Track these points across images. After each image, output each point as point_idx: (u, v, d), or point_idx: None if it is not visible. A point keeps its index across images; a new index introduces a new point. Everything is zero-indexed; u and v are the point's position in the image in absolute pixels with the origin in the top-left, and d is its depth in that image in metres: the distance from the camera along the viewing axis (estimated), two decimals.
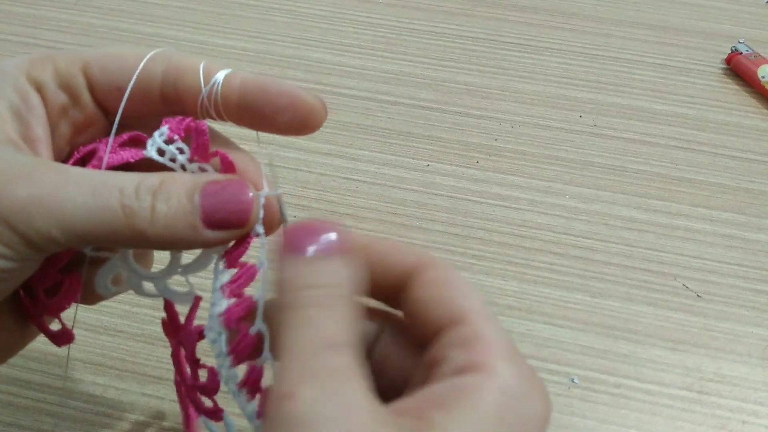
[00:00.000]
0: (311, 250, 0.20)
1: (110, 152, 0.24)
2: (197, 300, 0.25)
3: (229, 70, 0.24)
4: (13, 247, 0.21)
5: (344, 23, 0.58)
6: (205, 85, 0.24)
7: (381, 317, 0.23)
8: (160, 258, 0.27)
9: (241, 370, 0.22)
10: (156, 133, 0.23)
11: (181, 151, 0.24)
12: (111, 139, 0.24)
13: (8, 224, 0.20)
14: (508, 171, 0.47)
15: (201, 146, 0.24)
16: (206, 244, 0.23)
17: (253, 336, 0.22)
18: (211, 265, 0.24)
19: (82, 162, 0.24)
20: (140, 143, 0.24)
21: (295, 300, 0.20)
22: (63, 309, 0.25)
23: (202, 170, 0.24)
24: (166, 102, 0.24)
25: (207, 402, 0.26)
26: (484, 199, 0.45)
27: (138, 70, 0.24)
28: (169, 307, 0.27)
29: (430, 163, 0.47)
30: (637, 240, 0.43)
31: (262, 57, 0.54)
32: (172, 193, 0.22)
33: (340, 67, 0.54)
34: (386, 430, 0.17)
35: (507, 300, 0.39)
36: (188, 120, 0.24)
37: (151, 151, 0.23)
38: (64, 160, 0.24)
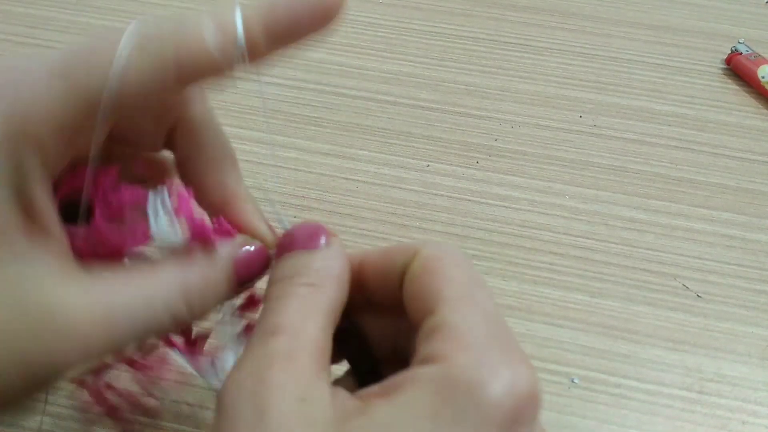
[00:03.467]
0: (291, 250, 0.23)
1: (105, 206, 0.23)
2: None
3: (237, 15, 0.21)
4: None
5: (344, 23, 0.58)
6: (223, 49, 0.20)
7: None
8: None
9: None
10: (155, 211, 0.23)
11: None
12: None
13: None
14: (508, 171, 0.47)
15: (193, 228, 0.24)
16: None
17: None
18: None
19: (68, 198, 0.23)
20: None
21: (268, 292, 0.22)
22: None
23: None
24: (181, 83, 0.21)
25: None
26: (484, 199, 0.45)
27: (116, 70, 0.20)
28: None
29: (430, 163, 0.47)
30: (637, 240, 0.43)
31: None
32: (215, 285, 0.23)
33: (340, 67, 0.54)
34: (312, 410, 0.18)
35: (507, 300, 0.39)
36: (186, 197, 0.24)
37: (156, 230, 0.23)
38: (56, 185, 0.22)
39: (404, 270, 0.22)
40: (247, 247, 0.24)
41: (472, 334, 0.19)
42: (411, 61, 0.55)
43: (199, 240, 0.23)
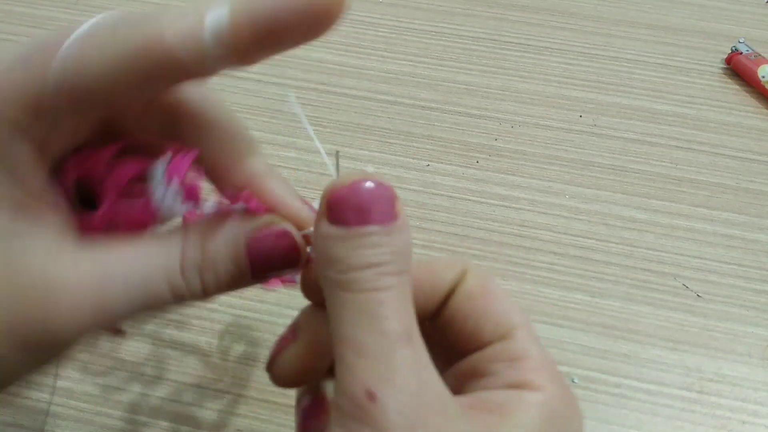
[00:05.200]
0: (365, 224, 0.18)
1: (110, 185, 0.21)
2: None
3: (223, 10, 0.18)
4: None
5: (344, 23, 0.58)
6: (190, 48, 0.18)
7: None
8: None
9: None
10: (156, 182, 0.21)
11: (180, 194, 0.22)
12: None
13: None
14: (508, 171, 0.47)
15: (191, 193, 0.22)
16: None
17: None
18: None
19: (81, 183, 0.22)
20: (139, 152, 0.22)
21: (351, 281, 0.18)
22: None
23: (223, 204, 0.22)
24: (146, 82, 0.19)
25: None
26: (484, 199, 0.45)
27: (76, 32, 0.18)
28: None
29: (430, 163, 0.47)
30: (637, 240, 0.43)
31: None
32: (218, 262, 0.21)
33: (340, 67, 0.54)
34: (465, 425, 0.18)
35: None
36: (186, 160, 0.21)
37: (160, 203, 0.21)
38: (62, 169, 0.21)
39: (452, 286, 0.22)
40: (268, 225, 0.21)
41: (551, 365, 0.21)
42: (411, 61, 0.55)
43: (191, 201, 0.21)
